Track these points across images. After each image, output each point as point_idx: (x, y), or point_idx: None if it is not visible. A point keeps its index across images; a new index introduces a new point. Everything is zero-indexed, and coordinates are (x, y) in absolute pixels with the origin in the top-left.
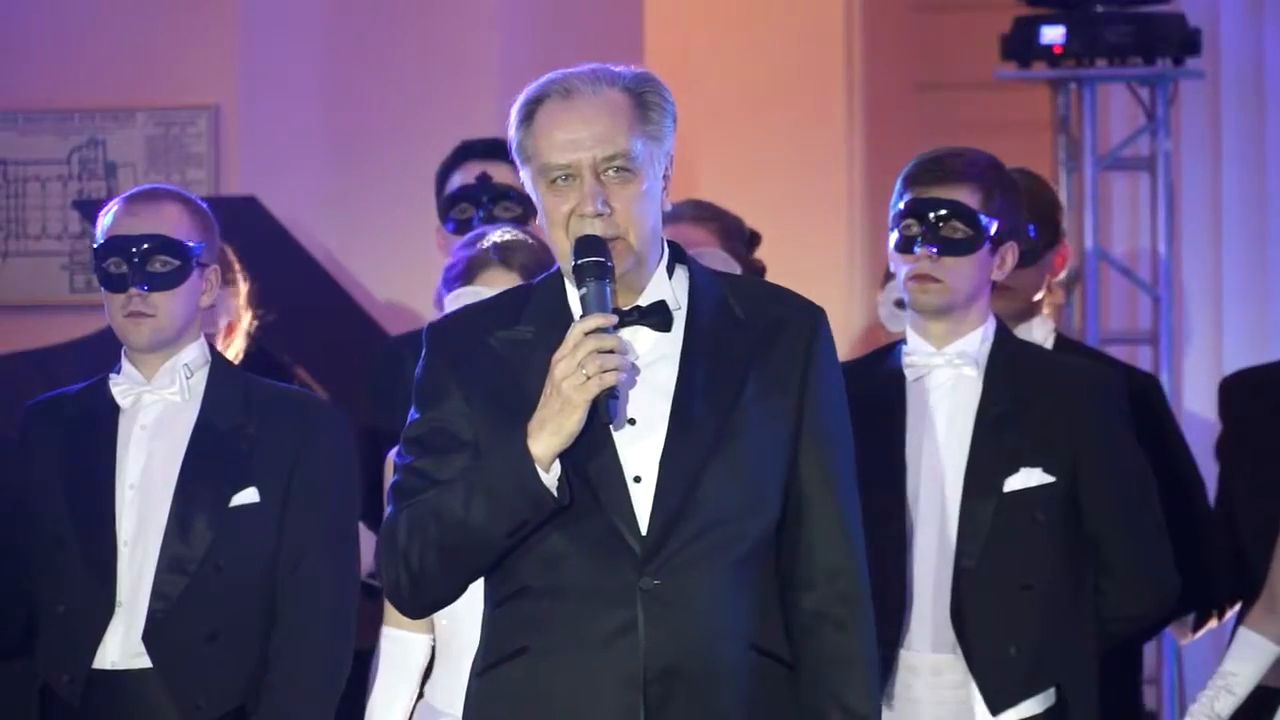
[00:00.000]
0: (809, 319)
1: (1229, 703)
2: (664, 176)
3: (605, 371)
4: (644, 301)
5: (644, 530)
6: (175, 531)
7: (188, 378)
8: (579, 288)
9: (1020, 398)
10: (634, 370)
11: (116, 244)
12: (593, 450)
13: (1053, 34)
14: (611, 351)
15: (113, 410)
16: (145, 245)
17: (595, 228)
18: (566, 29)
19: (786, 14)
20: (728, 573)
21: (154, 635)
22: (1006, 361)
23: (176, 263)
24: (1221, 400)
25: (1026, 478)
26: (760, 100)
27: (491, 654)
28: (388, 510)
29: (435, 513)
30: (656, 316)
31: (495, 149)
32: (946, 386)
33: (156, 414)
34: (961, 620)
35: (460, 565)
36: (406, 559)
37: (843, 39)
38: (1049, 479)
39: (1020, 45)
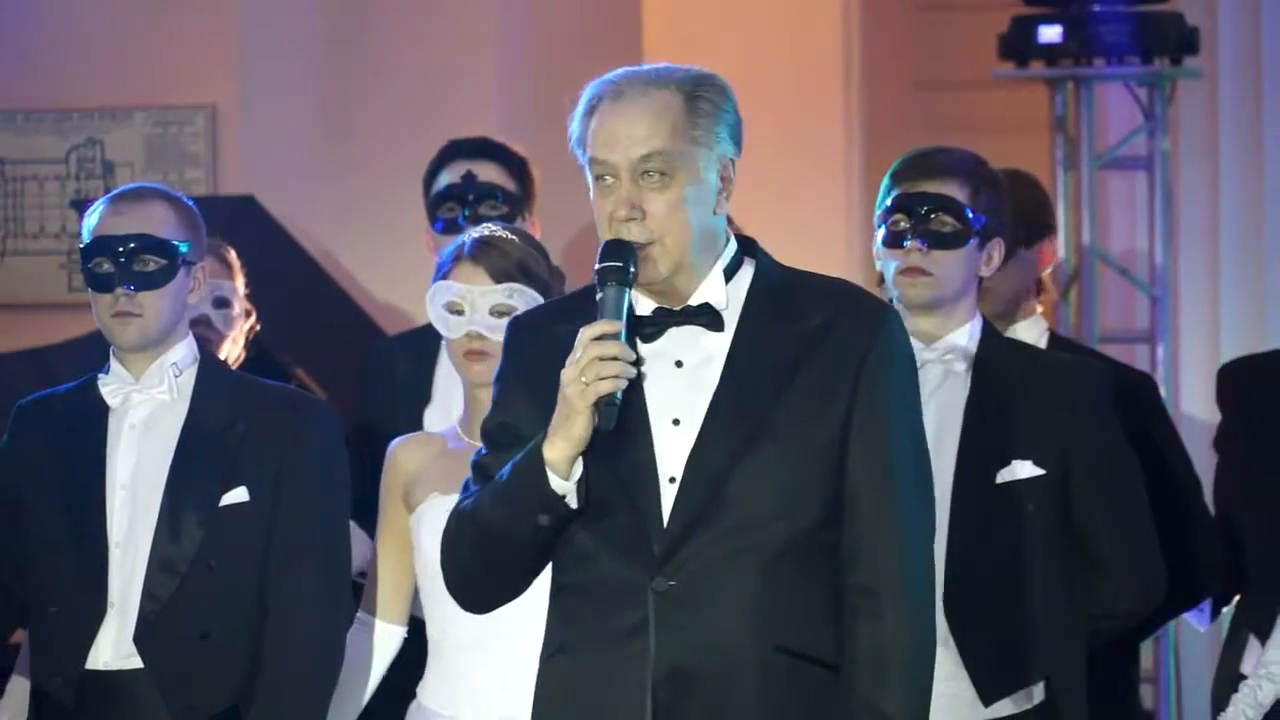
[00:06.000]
0: (869, 319)
1: (1271, 691)
2: (722, 179)
3: (602, 379)
4: (694, 302)
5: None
6: (166, 531)
7: (176, 376)
8: (598, 292)
9: (1009, 392)
10: (640, 377)
11: (102, 244)
12: (631, 450)
13: (1050, 33)
14: (616, 359)
15: (102, 410)
16: (131, 245)
17: (630, 232)
18: (566, 29)
19: (785, 13)
20: (754, 574)
21: (145, 636)
22: (995, 357)
23: (163, 262)
24: (1220, 388)
25: (1017, 470)
26: (759, 99)
27: (545, 647)
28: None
29: (472, 512)
30: (703, 318)
31: (482, 148)
32: (935, 382)
33: (146, 414)
34: (954, 612)
35: (496, 564)
36: (456, 556)
37: (841, 38)
38: (1039, 471)
39: (1018, 44)
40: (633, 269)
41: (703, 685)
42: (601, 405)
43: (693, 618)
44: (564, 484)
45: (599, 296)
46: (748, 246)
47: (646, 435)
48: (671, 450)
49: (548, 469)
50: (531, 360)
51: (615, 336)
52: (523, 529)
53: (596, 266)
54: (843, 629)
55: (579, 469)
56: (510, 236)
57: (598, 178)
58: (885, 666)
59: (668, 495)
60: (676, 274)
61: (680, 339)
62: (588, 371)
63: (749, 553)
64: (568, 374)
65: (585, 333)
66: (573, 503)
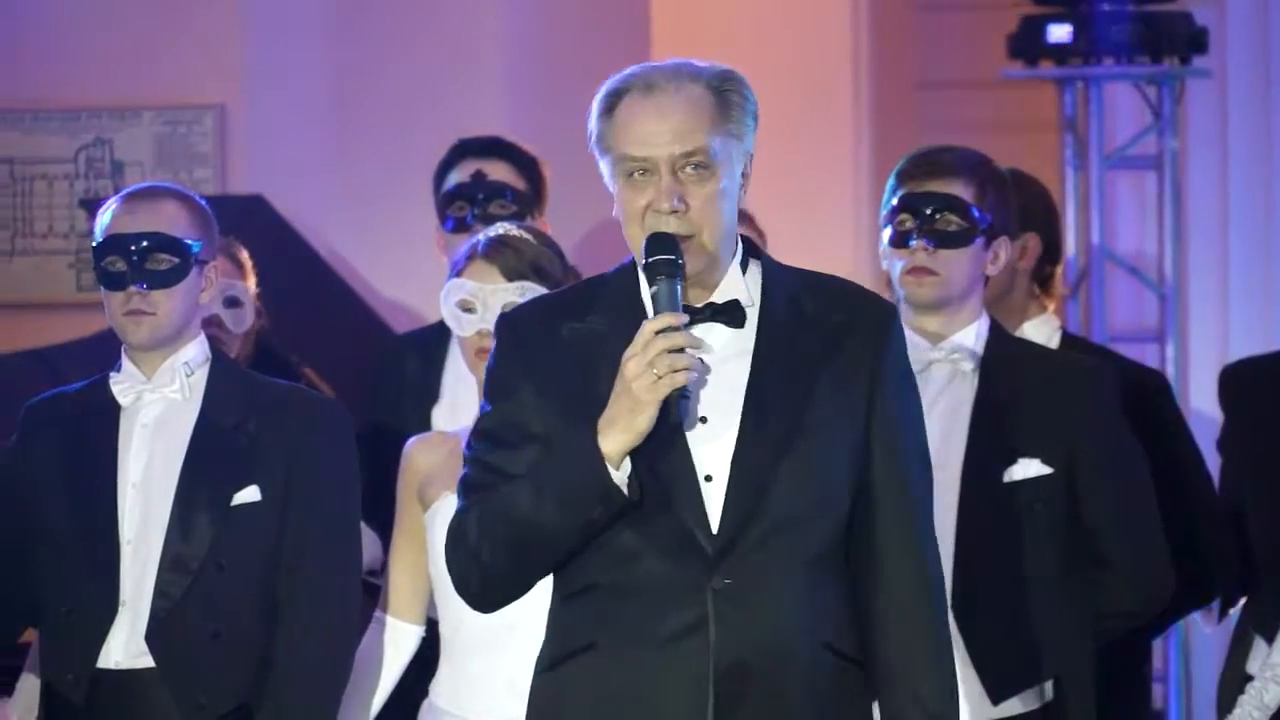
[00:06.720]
0: (880, 317)
1: (1277, 693)
2: (743, 175)
3: (675, 371)
4: (718, 299)
5: (715, 529)
6: (177, 530)
7: (188, 375)
8: (650, 286)
9: (1016, 391)
10: (705, 369)
11: (115, 242)
12: (664, 448)
13: (1059, 32)
14: (682, 350)
15: (113, 409)
16: (144, 243)
17: (670, 225)
18: (570, 28)
19: (792, 12)
20: (799, 572)
21: (157, 634)
22: (1002, 356)
23: (175, 260)
24: (1222, 390)
25: (1025, 469)
26: (765, 98)
27: (558, 650)
28: (458, 504)
29: (505, 510)
30: (729, 314)
31: (491, 147)
32: (942, 381)
33: (157, 413)
34: (962, 611)
35: (531, 563)
36: (478, 557)
37: (849, 37)
38: (1047, 470)
39: (1027, 44)
40: (681, 261)
41: (760, 682)
42: (673, 399)
43: (748, 615)
44: (620, 475)
45: (653, 291)
46: (749, 245)
47: (678, 433)
48: (705, 448)
49: (605, 462)
50: (535, 356)
51: (678, 329)
52: (574, 524)
53: (646, 260)
54: (866, 626)
55: (628, 462)
56: (525, 236)
57: (628, 173)
58: (927, 664)
59: (708, 493)
60: (708, 268)
61: (700, 335)
62: (659, 364)
63: (794, 550)
64: (632, 368)
65: (648, 326)
66: (627, 494)
